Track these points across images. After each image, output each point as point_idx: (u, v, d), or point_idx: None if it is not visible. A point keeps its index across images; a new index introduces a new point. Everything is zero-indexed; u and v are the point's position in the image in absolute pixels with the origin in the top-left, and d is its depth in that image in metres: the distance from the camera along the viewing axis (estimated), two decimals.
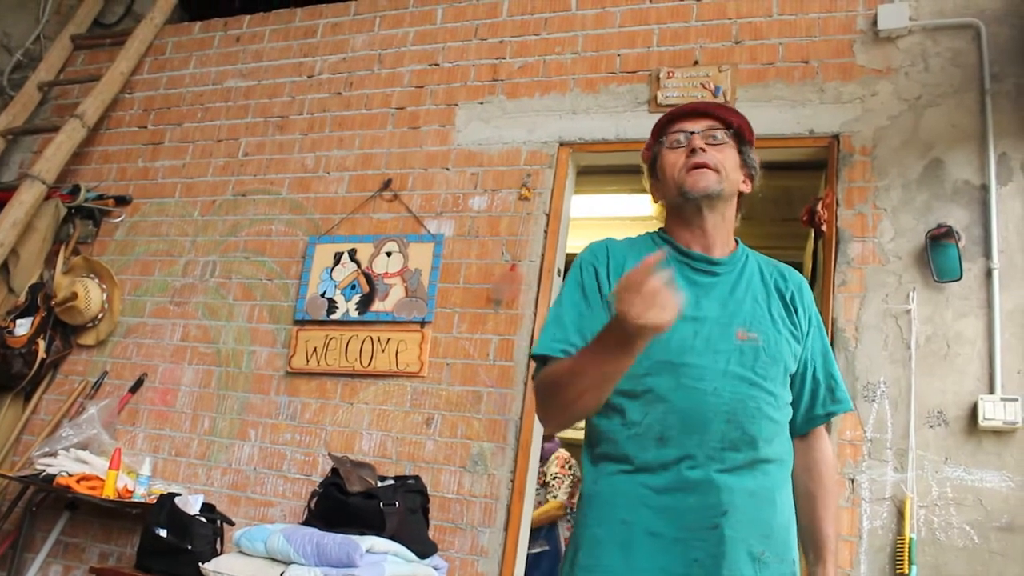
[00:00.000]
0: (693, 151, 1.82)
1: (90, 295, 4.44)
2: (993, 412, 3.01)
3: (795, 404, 1.86)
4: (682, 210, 1.86)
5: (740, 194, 1.91)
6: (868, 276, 3.34)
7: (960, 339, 3.17)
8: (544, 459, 5.15)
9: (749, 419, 1.69)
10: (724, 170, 1.82)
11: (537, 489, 5.05)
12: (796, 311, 1.87)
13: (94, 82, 4.88)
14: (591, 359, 1.62)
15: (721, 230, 1.88)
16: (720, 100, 3.69)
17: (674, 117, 1.90)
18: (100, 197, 4.81)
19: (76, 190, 4.77)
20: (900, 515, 3.05)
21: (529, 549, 4.82)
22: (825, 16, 3.73)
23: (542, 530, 4.88)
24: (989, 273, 3.19)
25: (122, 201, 4.79)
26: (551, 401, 1.75)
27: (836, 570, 1.88)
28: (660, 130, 1.92)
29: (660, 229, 1.96)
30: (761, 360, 1.74)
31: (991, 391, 3.06)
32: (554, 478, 5.10)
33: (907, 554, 2.96)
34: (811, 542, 1.89)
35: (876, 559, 3.04)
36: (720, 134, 1.85)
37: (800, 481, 1.88)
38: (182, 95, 4.97)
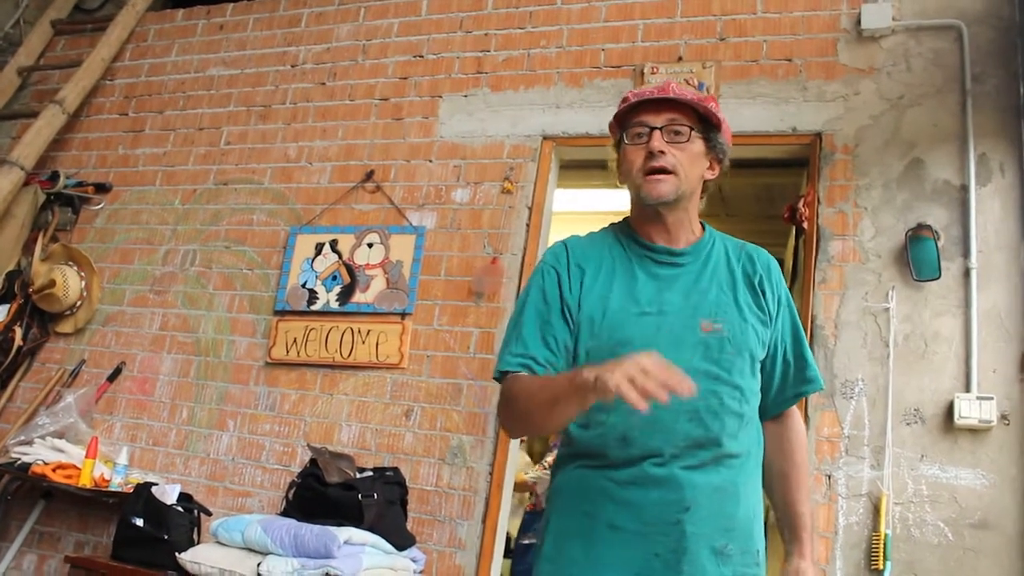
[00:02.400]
0: (651, 154, 1.78)
1: (68, 283, 4.40)
2: (969, 410, 3.03)
3: (766, 386, 1.86)
4: (643, 210, 1.84)
5: (706, 180, 1.88)
6: (848, 274, 3.35)
7: (937, 338, 3.19)
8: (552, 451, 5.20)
9: (712, 416, 1.69)
10: (683, 171, 1.78)
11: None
12: (764, 294, 1.84)
13: (74, 68, 4.84)
14: (545, 394, 1.63)
15: (684, 223, 1.85)
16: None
17: (637, 106, 1.84)
18: (80, 184, 4.77)
19: (55, 177, 4.73)
20: (876, 512, 3.07)
21: (519, 539, 4.85)
22: (809, 14, 3.74)
23: (531, 522, 4.90)
24: (967, 273, 3.21)
25: (102, 188, 4.75)
26: (512, 416, 1.77)
27: (813, 548, 1.87)
28: (623, 119, 1.87)
29: (624, 220, 1.94)
30: (726, 352, 1.73)
31: (967, 390, 3.09)
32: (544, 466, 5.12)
33: (882, 550, 2.98)
34: (786, 522, 1.89)
35: (851, 555, 3.06)
36: (683, 128, 1.80)
37: (773, 462, 1.88)
38: (164, 83, 4.93)
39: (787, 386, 1.89)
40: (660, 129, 1.79)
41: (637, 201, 1.85)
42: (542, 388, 1.66)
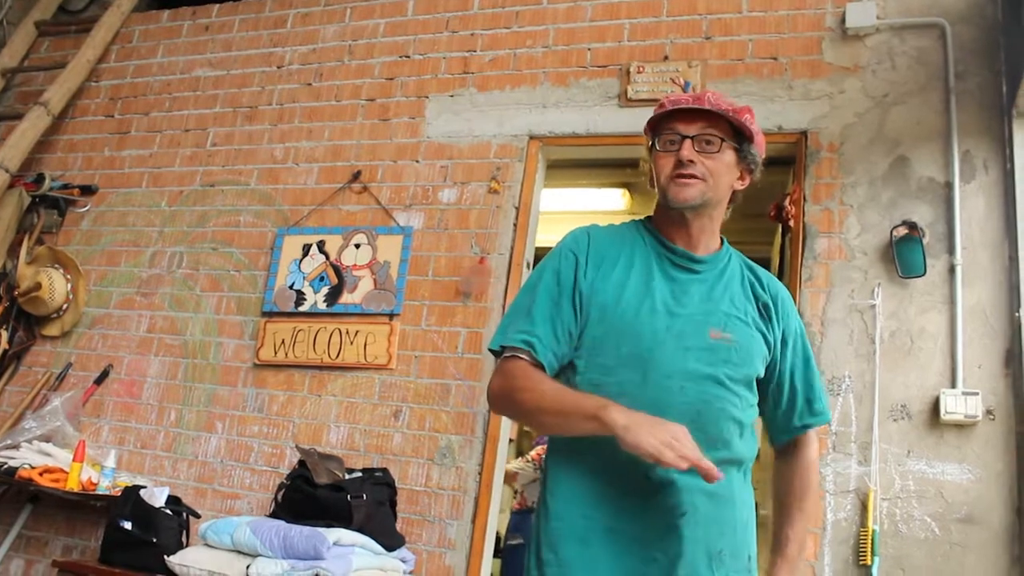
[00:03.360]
0: (681, 162, 1.78)
1: (54, 285, 4.38)
2: (955, 406, 3.05)
3: (773, 413, 1.88)
4: (668, 213, 1.85)
5: (734, 190, 1.89)
6: (834, 271, 3.37)
7: (923, 334, 3.21)
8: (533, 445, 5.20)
9: (713, 419, 1.70)
10: (711, 179, 1.79)
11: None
12: (771, 320, 1.86)
13: (59, 69, 4.81)
14: (557, 404, 1.67)
15: (707, 231, 1.87)
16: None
17: (671, 114, 1.83)
18: (65, 186, 4.75)
19: (40, 179, 4.71)
20: (863, 507, 3.08)
21: (508, 540, 4.85)
22: (794, 13, 3.75)
23: (518, 523, 4.89)
24: (952, 269, 3.23)
25: (88, 191, 4.73)
26: (505, 399, 1.78)
27: (793, 568, 1.85)
28: (656, 124, 1.86)
29: (648, 218, 1.95)
30: (732, 361, 1.74)
31: (953, 385, 3.11)
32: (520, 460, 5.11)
33: (870, 546, 3.00)
34: (775, 540, 1.89)
35: (839, 551, 3.08)
36: (714, 138, 1.80)
37: (776, 488, 1.90)
38: (149, 84, 4.92)
39: (794, 416, 1.90)
40: (692, 138, 1.80)
41: (664, 205, 1.85)
42: (556, 396, 1.68)
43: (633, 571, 1.64)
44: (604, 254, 1.83)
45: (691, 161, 1.78)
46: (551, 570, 1.70)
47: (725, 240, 1.93)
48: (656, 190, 1.88)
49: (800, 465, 1.93)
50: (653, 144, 1.87)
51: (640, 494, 1.67)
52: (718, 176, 1.81)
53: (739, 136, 1.83)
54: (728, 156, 1.82)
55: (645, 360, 1.70)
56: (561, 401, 1.67)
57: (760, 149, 1.88)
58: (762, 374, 1.84)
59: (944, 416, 3.06)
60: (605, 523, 1.67)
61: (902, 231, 3.29)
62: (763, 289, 1.89)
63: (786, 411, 1.89)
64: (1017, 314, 3.11)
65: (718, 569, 1.67)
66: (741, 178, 1.88)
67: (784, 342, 1.88)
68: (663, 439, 1.50)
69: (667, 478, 1.66)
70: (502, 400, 1.79)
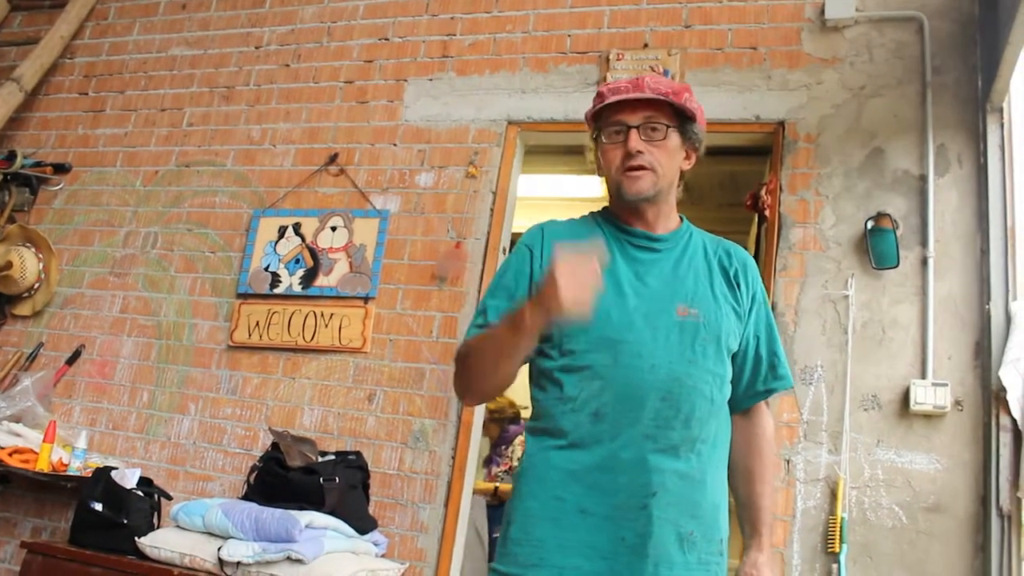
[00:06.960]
0: (629, 154, 1.80)
1: (26, 264, 4.34)
2: (924, 396, 3.08)
3: (737, 380, 1.88)
4: (623, 202, 1.87)
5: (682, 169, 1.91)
6: (808, 261, 3.39)
7: (895, 325, 3.24)
8: (508, 442, 5.14)
9: (685, 397, 1.71)
10: (660, 168, 1.81)
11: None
12: (739, 288, 1.88)
13: (32, 45, 4.75)
14: (501, 329, 1.68)
15: (663, 213, 1.89)
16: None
17: (613, 105, 1.84)
18: (38, 164, 4.69)
19: (12, 156, 4.64)
20: (833, 496, 3.12)
21: (493, 534, 4.83)
22: (774, 3, 3.76)
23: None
24: (925, 261, 3.26)
25: (61, 169, 4.68)
26: (464, 372, 1.82)
27: (771, 542, 1.91)
28: (599, 114, 1.87)
29: (604, 208, 1.97)
30: (700, 337, 1.76)
31: (923, 376, 3.14)
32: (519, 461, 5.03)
33: (838, 533, 3.03)
34: (747, 517, 1.92)
35: (808, 538, 3.11)
36: (659, 125, 1.82)
37: (739, 456, 1.90)
38: (125, 62, 4.86)
39: (757, 380, 1.92)
40: (637, 128, 1.81)
41: (617, 196, 1.88)
42: (487, 335, 1.74)
43: (603, 551, 1.65)
44: (561, 244, 1.83)
45: (639, 152, 1.80)
46: (523, 549, 1.71)
47: (684, 217, 1.96)
48: (606, 180, 1.90)
49: (764, 430, 1.96)
50: (598, 135, 1.88)
51: (611, 474, 1.68)
52: (666, 163, 1.83)
53: (682, 117, 1.85)
54: (674, 140, 1.85)
55: (615, 342, 1.72)
56: (489, 336, 1.73)
57: (702, 125, 1.91)
58: (735, 348, 1.85)
59: (914, 406, 3.09)
60: (576, 503, 1.68)
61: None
62: (729, 259, 1.91)
63: (751, 376, 1.91)
64: (987, 306, 3.15)
65: (690, 551, 1.68)
66: (687, 158, 1.91)
67: (750, 309, 1.90)
68: (569, 297, 1.53)
69: (638, 458, 1.67)
70: (462, 382, 1.86)
